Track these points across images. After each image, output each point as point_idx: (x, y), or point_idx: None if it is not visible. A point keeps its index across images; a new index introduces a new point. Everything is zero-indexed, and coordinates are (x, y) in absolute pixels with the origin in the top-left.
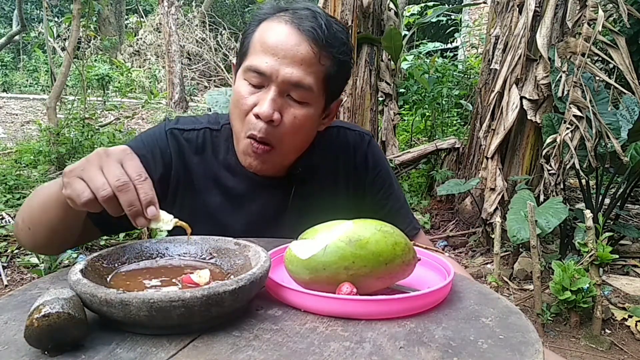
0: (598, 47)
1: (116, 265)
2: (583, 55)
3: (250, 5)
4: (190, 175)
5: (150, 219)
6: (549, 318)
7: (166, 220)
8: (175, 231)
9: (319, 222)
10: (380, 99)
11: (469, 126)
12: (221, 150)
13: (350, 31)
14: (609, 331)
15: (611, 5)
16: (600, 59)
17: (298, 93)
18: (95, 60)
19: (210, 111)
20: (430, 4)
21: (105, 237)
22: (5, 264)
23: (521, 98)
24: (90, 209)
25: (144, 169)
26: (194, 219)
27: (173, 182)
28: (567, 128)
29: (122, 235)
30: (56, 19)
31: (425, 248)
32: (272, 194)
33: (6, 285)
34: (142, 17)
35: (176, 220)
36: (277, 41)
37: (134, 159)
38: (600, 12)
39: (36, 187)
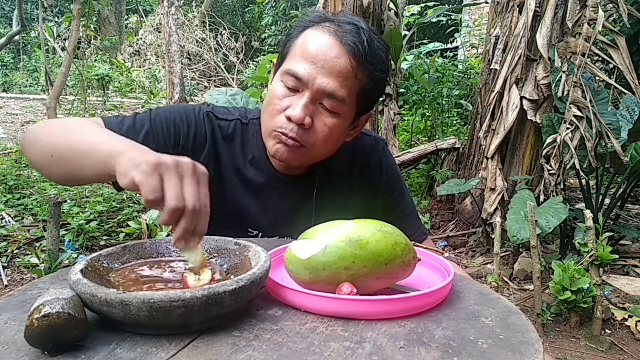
0: (598, 47)
1: (116, 265)
2: (583, 55)
3: (250, 5)
4: (218, 160)
5: (190, 247)
6: (549, 318)
7: (199, 257)
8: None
9: None
10: (380, 99)
11: (469, 126)
12: (247, 143)
13: None
14: (609, 331)
15: (611, 5)
16: (600, 59)
17: (330, 103)
18: (95, 60)
19: None
20: (430, 4)
21: (105, 237)
22: (5, 264)
23: (521, 98)
24: (151, 205)
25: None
26: (217, 199)
27: (204, 160)
28: (567, 128)
29: (122, 235)
30: (56, 19)
31: (425, 248)
32: (291, 190)
33: (6, 285)
34: (142, 17)
35: (205, 260)
36: (318, 50)
37: (207, 186)
38: (600, 12)
39: (36, 186)
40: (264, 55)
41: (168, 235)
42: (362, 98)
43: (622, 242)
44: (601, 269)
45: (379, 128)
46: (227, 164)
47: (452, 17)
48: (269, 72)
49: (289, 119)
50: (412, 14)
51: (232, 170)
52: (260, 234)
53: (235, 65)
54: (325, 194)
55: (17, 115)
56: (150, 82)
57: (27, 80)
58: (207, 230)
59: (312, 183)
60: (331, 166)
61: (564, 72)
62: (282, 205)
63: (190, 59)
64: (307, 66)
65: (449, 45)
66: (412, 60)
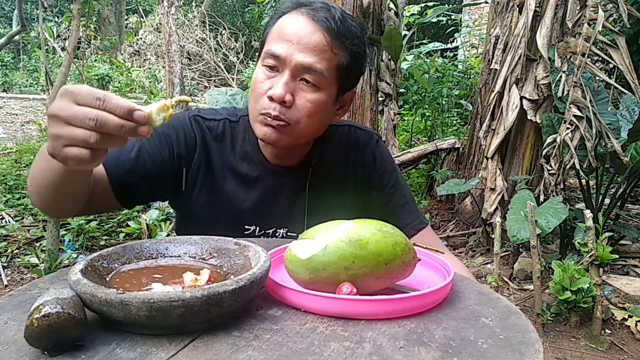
0: (598, 47)
1: (116, 265)
2: (583, 55)
3: (250, 5)
4: (210, 160)
5: (144, 122)
6: (549, 318)
7: (161, 107)
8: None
9: (329, 215)
10: (380, 99)
11: (469, 126)
12: (238, 140)
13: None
14: (609, 331)
15: (611, 5)
16: (600, 59)
17: (310, 76)
18: (95, 60)
19: None
20: (430, 4)
21: (105, 237)
22: (5, 264)
23: (521, 98)
24: (102, 157)
25: (96, 89)
26: (212, 201)
27: (196, 165)
28: (567, 128)
29: (122, 235)
30: (56, 19)
31: (426, 248)
32: (286, 182)
33: (6, 285)
34: (142, 17)
35: (175, 99)
36: (292, 29)
37: (79, 90)
38: (600, 12)
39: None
40: None
41: (168, 235)
42: (341, 73)
43: (622, 242)
44: (601, 269)
45: (379, 128)
46: (219, 163)
47: (452, 17)
48: None
49: (271, 98)
50: (412, 14)
51: (225, 168)
52: (257, 228)
53: (235, 65)
54: (319, 185)
55: (17, 115)
56: (150, 82)
57: (27, 80)
58: (203, 216)
59: (305, 174)
60: (324, 158)
61: (564, 72)
62: (276, 197)
63: (190, 59)
64: (284, 45)
65: (449, 45)
66: (412, 60)
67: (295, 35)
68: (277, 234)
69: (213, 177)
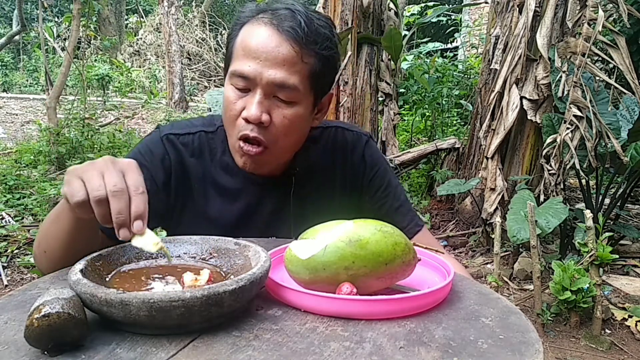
0: (598, 47)
1: (116, 265)
2: (583, 55)
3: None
4: (188, 178)
5: (135, 232)
6: (549, 318)
7: (151, 242)
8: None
9: (317, 222)
10: (380, 99)
11: (469, 126)
12: (218, 151)
13: (349, 31)
14: (609, 331)
15: (611, 5)
16: (600, 59)
17: (284, 93)
18: (95, 60)
19: (210, 111)
20: (430, 4)
21: None
22: (5, 264)
23: (521, 98)
24: (83, 210)
25: (144, 185)
26: (195, 220)
27: (173, 186)
28: (567, 128)
29: None
30: (56, 19)
31: (425, 248)
32: (269, 192)
33: (6, 285)
34: (142, 17)
35: (161, 245)
36: (258, 44)
37: (137, 173)
38: (600, 12)
39: (36, 186)
40: None
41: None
42: (315, 80)
43: (622, 242)
44: (601, 269)
45: (379, 128)
46: (199, 178)
47: (452, 17)
48: None
49: (247, 120)
50: (412, 14)
51: (206, 183)
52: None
53: None
54: (305, 192)
55: (17, 115)
56: (150, 82)
57: (27, 80)
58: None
59: (289, 183)
60: (310, 164)
61: (564, 72)
62: (261, 210)
63: (190, 59)
64: (251, 63)
65: (449, 45)
66: (412, 60)
67: (261, 50)
68: None
69: (193, 194)
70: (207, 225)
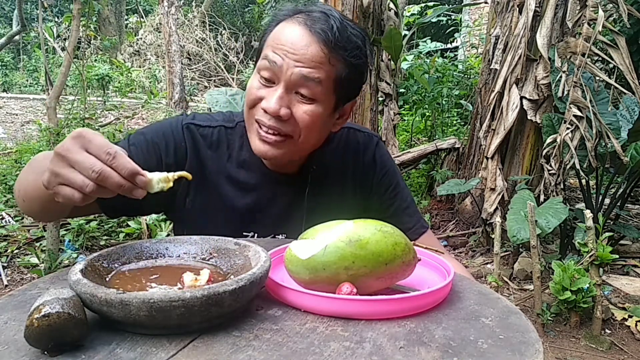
0: (598, 47)
1: (116, 265)
2: (583, 55)
3: (250, 5)
4: (204, 169)
5: (143, 187)
6: (549, 318)
7: (163, 178)
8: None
9: (327, 220)
10: (380, 99)
11: (469, 126)
12: (235, 147)
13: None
14: (609, 331)
15: (611, 5)
16: (600, 59)
17: (305, 90)
18: (95, 60)
19: (210, 111)
20: (430, 4)
21: (105, 237)
22: (5, 264)
23: (521, 98)
24: (91, 200)
25: (109, 144)
26: (208, 210)
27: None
28: (567, 128)
29: (122, 235)
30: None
31: (426, 248)
32: (284, 189)
33: (6, 285)
34: (142, 17)
35: (173, 174)
36: (289, 40)
37: (93, 139)
38: (600, 12)
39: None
40: None
41: (168, 235)
42: (339, 84)
43: (622, 242)
44: (601, 269)
45: (379, 128)
46: (215, 171)
47: (452, 17)
48: None
49: (265, 111)
50: (412, 14)
51: (222, 176)
52: (256, 235)
53: (235, 65)
54: (318, 192)
55: (17, 115)
56: (150, 82)
57: (27, 80)
58: (198, 222)
59: (304, 181)
60: (324, 164)
61: (564, 72)
62: (275, 205)
63: (190, 59)
64: (280, 57)
65: (449, 45)
66: (412, 60)
67: (291, 46)
68: None
69: (207, 183)
70: (219, 208)
